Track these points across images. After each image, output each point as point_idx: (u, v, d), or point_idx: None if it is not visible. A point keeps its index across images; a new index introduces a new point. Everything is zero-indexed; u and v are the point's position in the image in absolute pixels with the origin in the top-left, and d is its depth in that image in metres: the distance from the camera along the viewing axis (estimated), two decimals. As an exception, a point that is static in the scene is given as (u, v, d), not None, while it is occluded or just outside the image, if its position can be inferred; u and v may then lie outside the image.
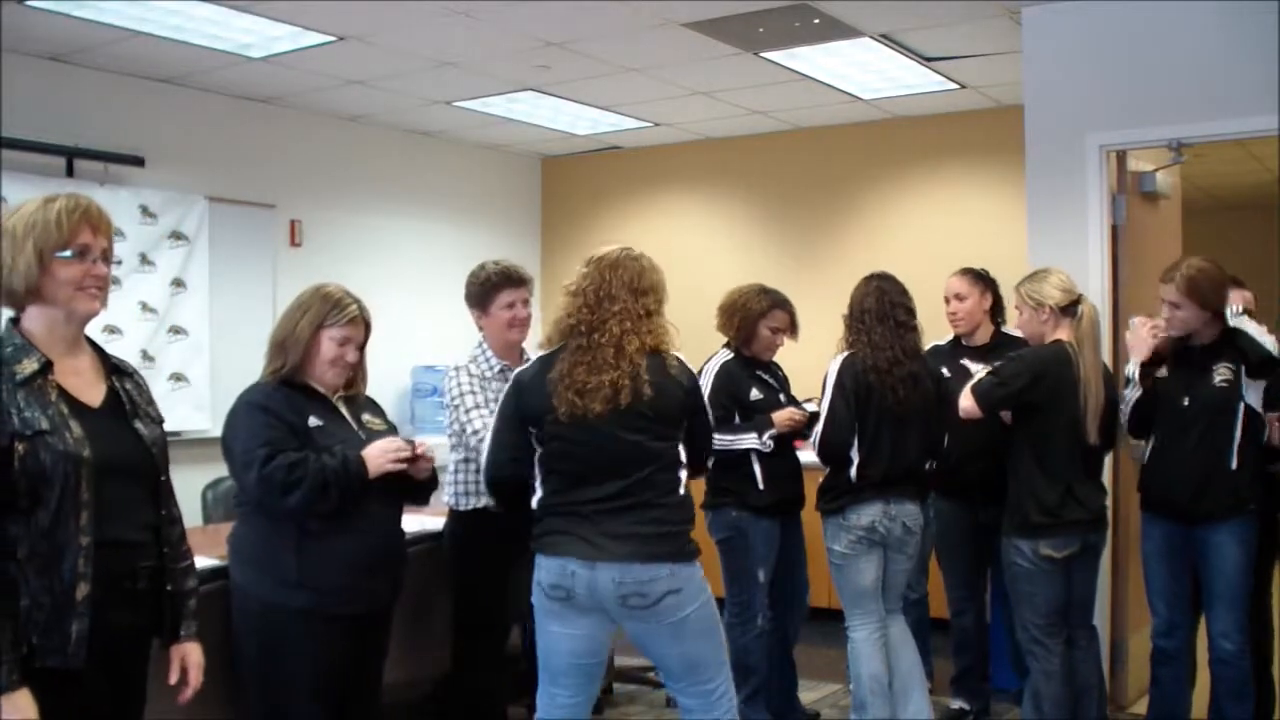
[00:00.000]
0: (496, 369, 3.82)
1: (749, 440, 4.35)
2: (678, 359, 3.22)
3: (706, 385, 4.41)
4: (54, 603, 2.15)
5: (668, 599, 3.04)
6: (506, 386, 3.32)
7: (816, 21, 5.20)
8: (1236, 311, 3.86)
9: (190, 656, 2.46)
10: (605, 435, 3.07)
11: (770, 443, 4.32)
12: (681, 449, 3.18)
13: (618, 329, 3.13)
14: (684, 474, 3.17)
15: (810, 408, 4.31)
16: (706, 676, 3.19)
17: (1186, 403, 3.91)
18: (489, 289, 3.82)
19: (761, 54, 5.74)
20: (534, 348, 3.87)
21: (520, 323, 3.83)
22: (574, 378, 3.09)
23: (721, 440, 4.31)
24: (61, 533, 2.16)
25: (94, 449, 2.21)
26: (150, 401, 2.46)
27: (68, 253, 2.25)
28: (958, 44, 5.57)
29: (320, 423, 3.15)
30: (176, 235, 6.08)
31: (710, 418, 3.37)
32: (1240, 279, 4.34)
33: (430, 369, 7.12)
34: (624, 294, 3.19)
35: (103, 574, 2.20)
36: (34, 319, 2.27)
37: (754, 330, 4.48)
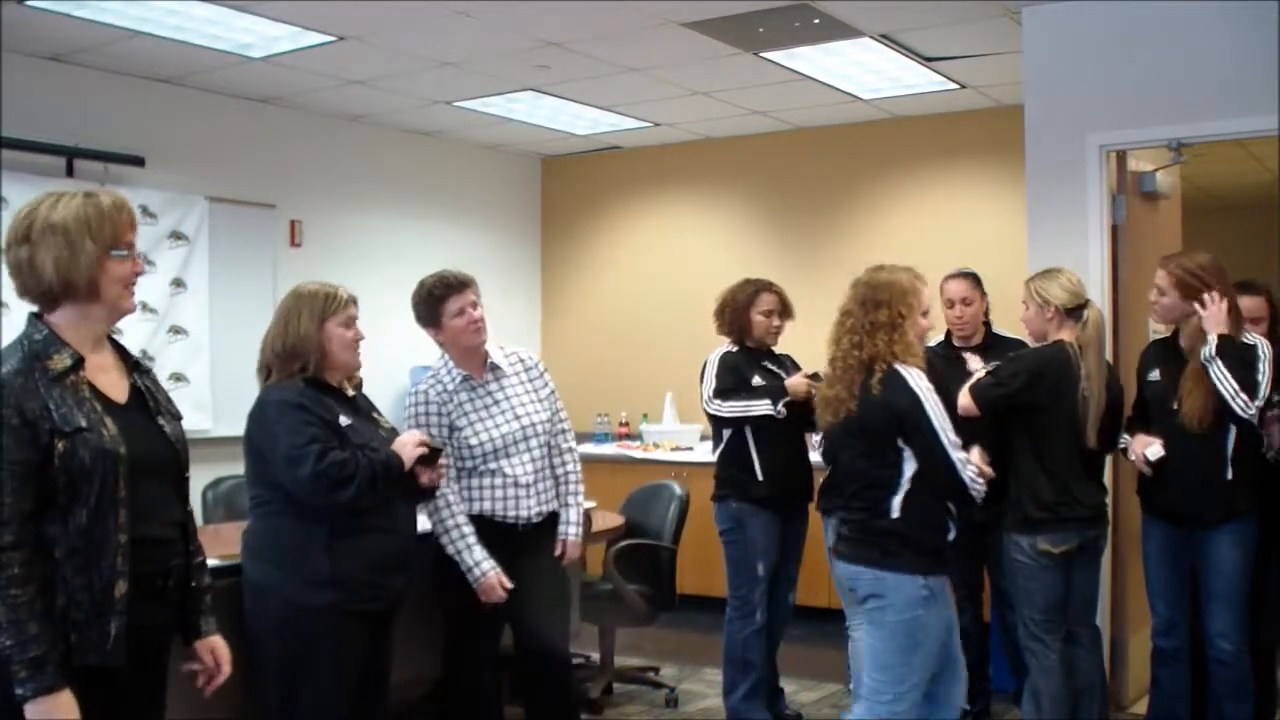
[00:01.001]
0: (459, 379, 3.79)
1: (763, 407, 4.37)
2: (893, 373, 3.24)
3: (710, 372, 4.46)
4: (92, 601, 2.15)
5: (870, 600, 3.29)
6: None
7: (816, 21, 5.20)
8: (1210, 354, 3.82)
9: (219, 650, 2.47)
10: (833, 449, 3.52)
11: (784, 410, 4.33)
12: (907, 468, 3.24)
13: (846, 343, 3.34)
14: (898, 495, 3.23)
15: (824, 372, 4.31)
16: (882, 684, 3.26)
17: (1176, 406, 3.90)
18: (435, 302, 3.75)
19: (761, 54, 5.74)
20: (493, 347, 3.85)
21: (476, 325, 3.76)
22: (821, 393, 3.47)
23: (734, 407, 4.38)
24: (100, 531, 2.16)
25: (128, 446, 2.21)
26: (168, 398, 2.46)
27: (122, 251, 2.26)
28: (958, 44, 5.57)
29: (350, 421, 3.19)
30: (176, 235, 6.08)
31: (945, 443, 3.21)
32: (1256, 282, 4.28)
33: (429, 369, 7.10)
34: (857, 309, 3.36)
35: (137, 572, 2.21)
36: (69, 315, 2.25)
37: (746, 319, 4.53)
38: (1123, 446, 4.13)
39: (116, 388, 2.31)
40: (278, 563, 3.13)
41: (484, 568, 3.63)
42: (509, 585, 3.64)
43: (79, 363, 2.22)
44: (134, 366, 2.40)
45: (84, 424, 2.16)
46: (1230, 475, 3.84)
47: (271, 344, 3.23)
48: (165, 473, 2.34)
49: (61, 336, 2.23)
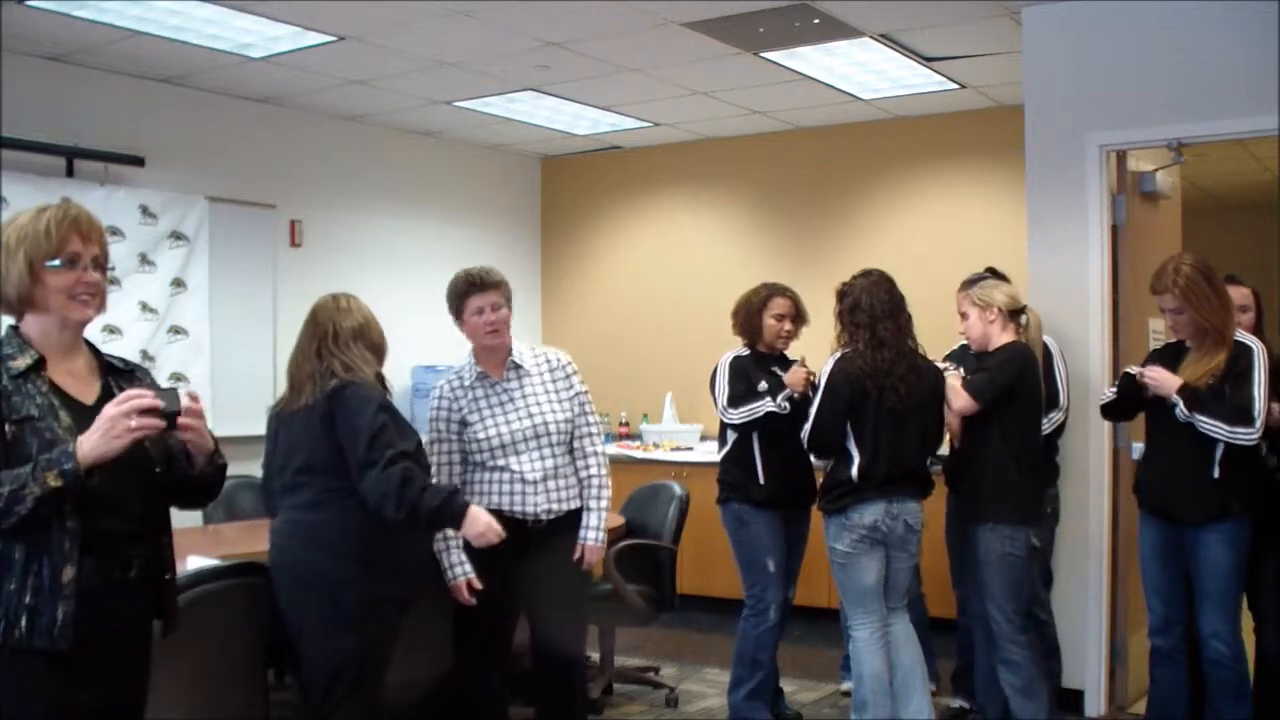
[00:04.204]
0: (476, 376, 3.85)
1: (766, 405, 4.41)
2: None
3: (722, 376, 4.49)
4: (40, 586, 2.19)
5: None
6: None
7: (816, 21, 5.20)
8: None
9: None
10: None
11: (786, 405, 4.37)
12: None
13: None
14: None
15: None
16: None
17: (1172, 403, 3.92)
18: (459, 296, 3.82)
19: (761, 54, 5.74)
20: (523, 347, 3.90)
21: (492, 326, 3.80)
22: None
23: (740, 413, 4.42)
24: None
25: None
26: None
27: (57, 262, 2.28)
28: (958, 44, 5.57)
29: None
30: (176, 235, 6.08)
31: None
32: (1236, 276, 4.33)
33: (430, 369, 7.11)
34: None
35: (91, 562, 2.24)
36: (31, 324, 2.33)
37: (759, 322, 4.57)
38: (1131, 373, 4.09)
39: (84, 390, 2.35)
40: (356, 555, 3.19)
41: (457, 571, 3.70)
42: (478, 586, 3.69)
43: (39, 363, 2.28)
44: (108, 369, 2.43)
45: (34, 414, 2.22)
46: (1217, 474, 3.84)
47: (373, 340, 3.42)
48: (127, 468, 2.31)
49: (30, 343, 2.31)
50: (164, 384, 2.40)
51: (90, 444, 2.16)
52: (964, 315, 4.40)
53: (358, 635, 3.20)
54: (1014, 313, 4.17)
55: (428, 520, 3.24)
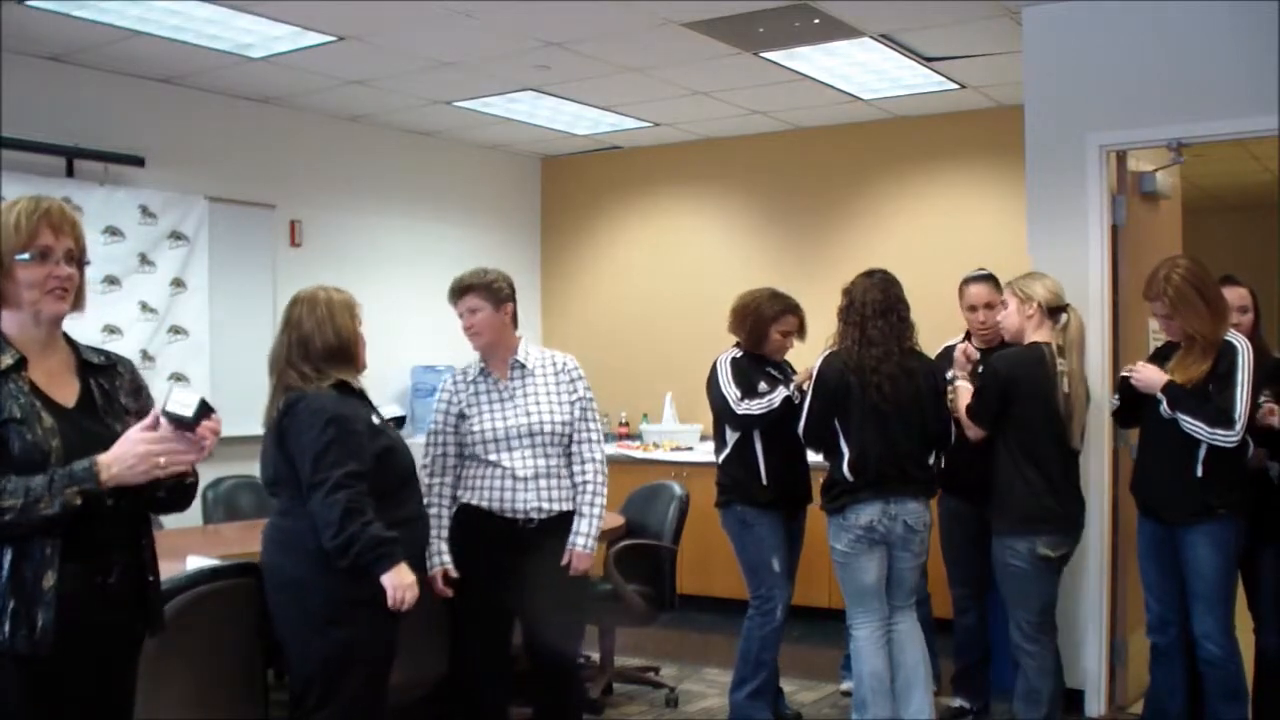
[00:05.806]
0: (477, 372, 3.91)
1: (781, 392, 4.41)
2: None
3: (724, 374, 4.50)
4: (22, 591, 2.15)
5: None
6: None
7: (816, 21, 5.20)
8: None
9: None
10: None
11: (798, 393, 4.36)
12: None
13: None
14: None
15: None
16: None
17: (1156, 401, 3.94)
18: (451, 303, 3.93)
19: (761, 54, 5.74)
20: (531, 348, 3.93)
21: (469, 330, 3.87)
22: None
23: (760, 404, 4.42)
24: None
25: (64, 443, 2.20)
26: (134, 393, 2.43)
27: (26, 255, 2.23)
28: (958, 44, 5.57)
29: (377, 421, 3.34)
30: (176, 235, 6.08)
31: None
32: (1234, 276, 4.33)
33: (430, 369, 7.11)
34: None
35: (73, 568, 2.20)
36: (7, 322, 2.27)
37: (765, 333, 4.56)
38: (1124, 374, 4.13)
39: (63, 390, 2.30)
40: (320, 556, 3.14)
41: (433, 561, 3.72)
42: (454, 575, 3.72)
43: (20, 362, 2.23)
44: (86, 367, 2.38)
45: (18, 415, 2.17)
46: (1200, 473, 3.84)
47: (325, 344, 3.28)
48: None
49: (8, 340, 2.25)
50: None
51: (117, 469, 2.14)
52: (993, 305, 4.44)
53: (325, 639, 3.15)
54: (1053, 310, 4.08)
55: (356, 556, 3.09)
